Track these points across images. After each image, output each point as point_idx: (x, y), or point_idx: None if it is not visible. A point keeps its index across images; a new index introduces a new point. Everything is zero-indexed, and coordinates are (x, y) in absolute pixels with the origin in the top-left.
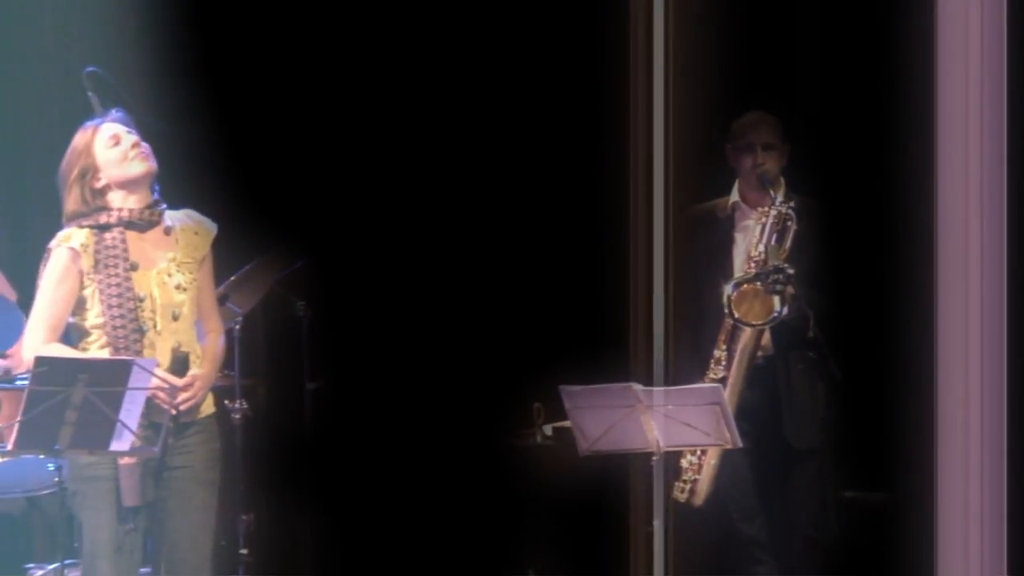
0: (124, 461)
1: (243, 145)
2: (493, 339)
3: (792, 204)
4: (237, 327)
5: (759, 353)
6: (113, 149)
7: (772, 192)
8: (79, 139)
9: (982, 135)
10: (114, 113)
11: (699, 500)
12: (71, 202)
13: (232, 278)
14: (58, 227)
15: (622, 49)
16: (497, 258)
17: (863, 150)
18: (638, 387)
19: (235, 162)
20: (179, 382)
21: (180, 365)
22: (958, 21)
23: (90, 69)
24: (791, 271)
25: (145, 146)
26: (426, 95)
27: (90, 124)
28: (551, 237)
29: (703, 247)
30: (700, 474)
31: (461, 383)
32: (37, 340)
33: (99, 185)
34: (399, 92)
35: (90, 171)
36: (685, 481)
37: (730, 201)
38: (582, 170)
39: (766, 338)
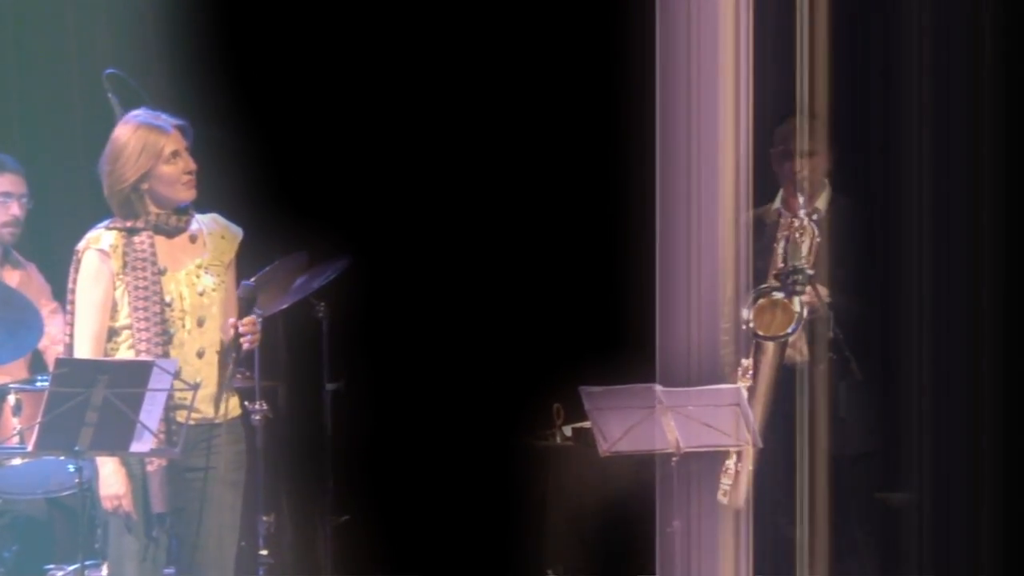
0: (151, 467)
1: (266, 147)
2: (513, 340)
3: (815, 216)
4: None
5: (798, 359)
6: (171, 165)
7: (802, 202)
8: (150, 138)
9: None
10: (177, 120)
11: (740, 502)
12: (121, 197)
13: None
14: (79, 228)
15: (652, 51)
16: (518, 258)
17: (903, 151)
18: (658, 388)
19: (257, 164)
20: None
21: (250, 294)
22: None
23: (110, 71)
24: (811, 272)
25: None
26: (457, 96)
27: (162, 126)
28: (573, 237)
29: (753, 252)
30: (738, 478)
31: (481, 384)
32: (85, 355)
33: (144, 188)
34: (435, 93)
35: (145, 176)
36: (724, 484)
37: (773, 208)
38: (605, 169)
39: (801, 344)
